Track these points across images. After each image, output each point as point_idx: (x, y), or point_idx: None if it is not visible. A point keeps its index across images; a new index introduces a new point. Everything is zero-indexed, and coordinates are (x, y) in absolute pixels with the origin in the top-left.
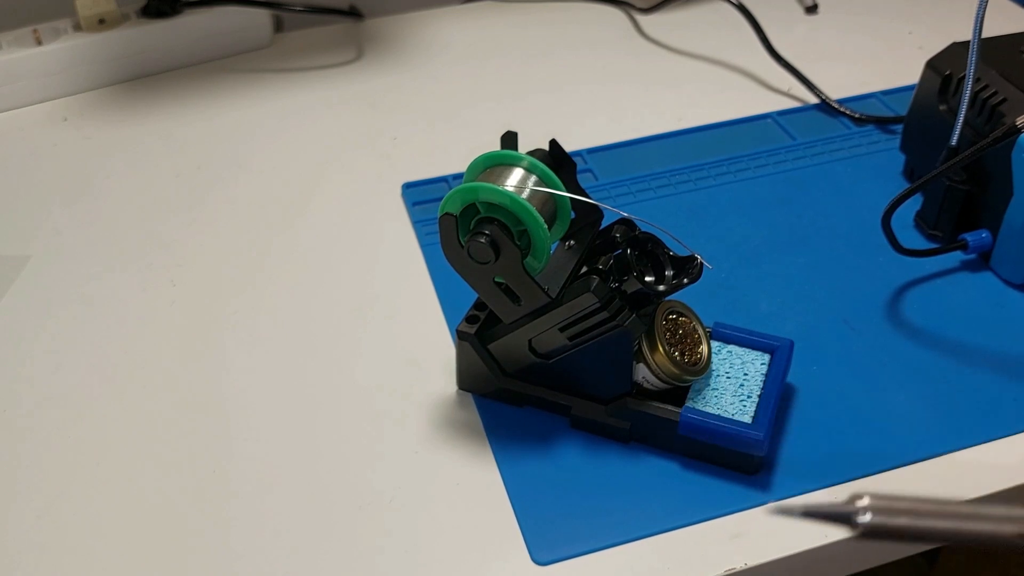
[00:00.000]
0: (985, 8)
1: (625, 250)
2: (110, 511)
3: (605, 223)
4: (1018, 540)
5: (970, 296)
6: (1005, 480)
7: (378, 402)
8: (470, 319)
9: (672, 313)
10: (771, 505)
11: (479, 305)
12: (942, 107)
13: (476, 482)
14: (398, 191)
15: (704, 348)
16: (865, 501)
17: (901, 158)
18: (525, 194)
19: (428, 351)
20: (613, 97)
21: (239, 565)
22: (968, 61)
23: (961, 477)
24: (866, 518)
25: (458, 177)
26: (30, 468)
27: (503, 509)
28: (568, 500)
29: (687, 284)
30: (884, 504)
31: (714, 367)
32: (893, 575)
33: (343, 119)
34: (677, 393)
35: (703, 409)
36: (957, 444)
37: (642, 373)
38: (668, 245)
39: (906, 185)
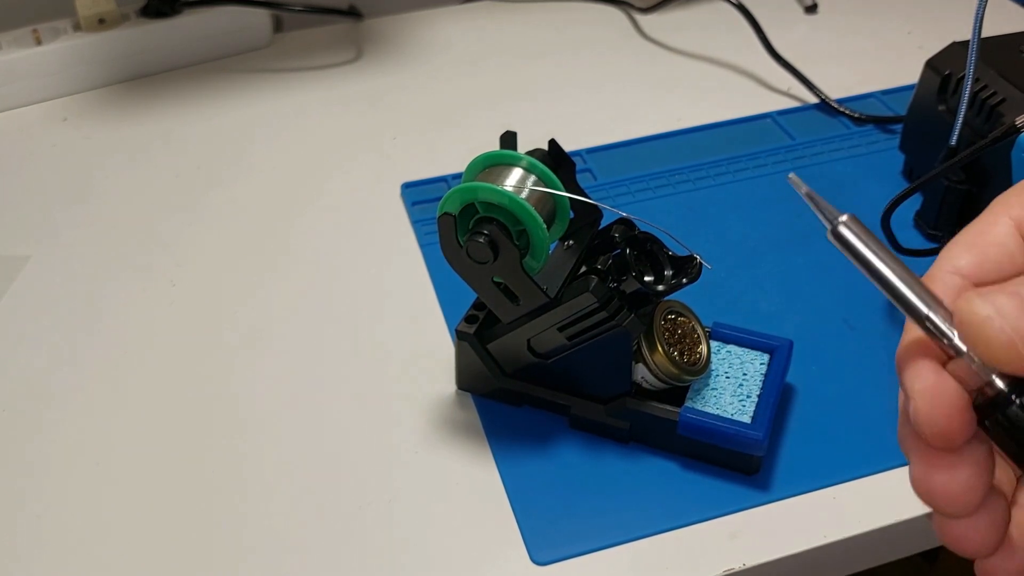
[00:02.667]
0: (985, 8)
1: (624, 250)
2: (111, 512)
3: (604, 223)
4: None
5: None
6: None
7: (377, 402)
8: (469, 319)
9: (671, 313)
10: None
11: (478, 305)
12: (941, 107)
13: (475, 482)
14: (397, 191)
15: (703, 348)
16: (845, 217)
17: (900, 158)
18: (524, 194)
19: (427, 351)
20: (612, 97)
21: (238, 565)
22: (967, 61)
23: None
24: (840, 228)
25: (457, 177)
26: (30, 468)
27: (502, 509)
28: (567, 500)
29: (686, 284)
30: (861, 231)
31: (713, 367)
32: (893, 574)
33: (342, 119)
34: (676, 393)
35: (702, 409)
36: None
37: (641, 373)
38: (667, 245)
39: (905, 185)
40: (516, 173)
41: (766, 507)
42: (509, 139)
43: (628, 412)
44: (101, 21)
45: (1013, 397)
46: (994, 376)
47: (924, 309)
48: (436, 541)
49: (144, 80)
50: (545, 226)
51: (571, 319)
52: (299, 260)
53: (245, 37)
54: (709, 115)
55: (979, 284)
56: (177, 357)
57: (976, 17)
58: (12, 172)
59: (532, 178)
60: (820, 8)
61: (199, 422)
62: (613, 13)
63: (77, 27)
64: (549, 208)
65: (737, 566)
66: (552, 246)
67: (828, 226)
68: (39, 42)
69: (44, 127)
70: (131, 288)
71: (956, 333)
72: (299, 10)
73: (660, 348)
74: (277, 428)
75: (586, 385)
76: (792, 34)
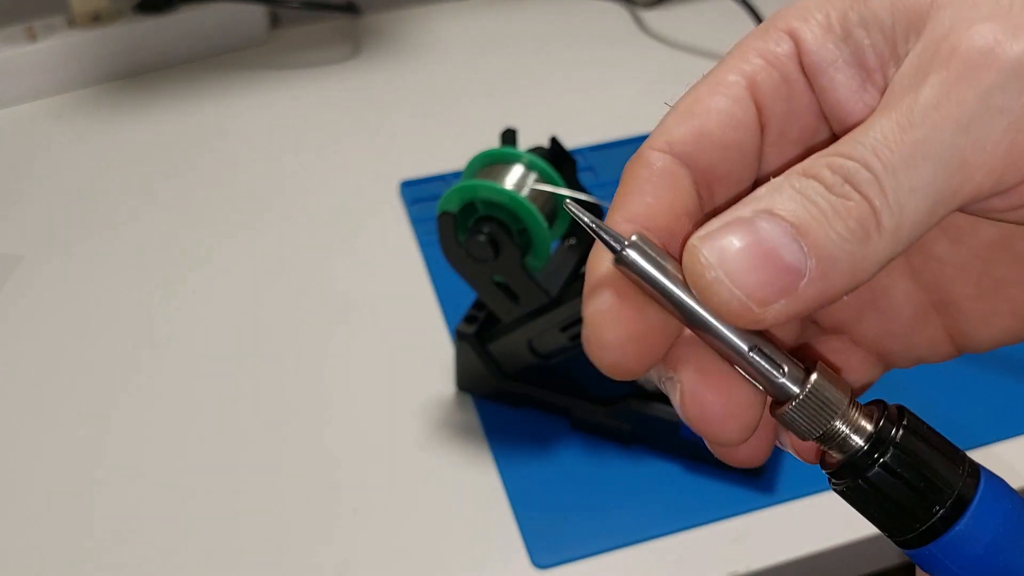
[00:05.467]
0: None
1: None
2: (105, 512)
3: None
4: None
5: None
6: (1014, 483)
7: (376, 403)
8: (469, 319)
9: None
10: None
11: (478, 305)
12: None
13: (475, 484)
14: (396, 189)
15: None
16: (635, 237)
17: None
18: (525, 192)
19: (427, 351)
20: (614, 93)
21: (238, 565)
22: None
23: None
24: (627, 251)
25: (457, 175)
26: (24, 469)
27: (502, 511)
28: (568, 502)
29: None
30: (651, 250)
31: None
32: None
33: (340, 116)
34: None
35: None
36: (962, 445)
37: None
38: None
39: None
40: (517, 171)
41: (770, 510)
42: (509, 136)
43: (630, 414)
44: (96, 17)
45: (877, 456)
46: (852, 435)
47: (744, 345)
48: (436, 544)
49: (139, 78)
50: (546, 224)
51: (573, 319)
52: (297, 259)
53: (241, 33)
54: None
55: (699, 164)
56: (173, 357)
57: None
58: (5, 171)
59: (533, 176)
60: None
61: (195, 423)
62: (615, 9)
63: (71, 23)
64: (550, 206)
65: (741, 569)
66: (553, 245)
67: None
68: (33, 39)
69: (38, 125)
70: (126, 288)
71: (784, 369)
72: (295, 6)
73: None
74: (276, 429)
75: (588, 386)
76: None
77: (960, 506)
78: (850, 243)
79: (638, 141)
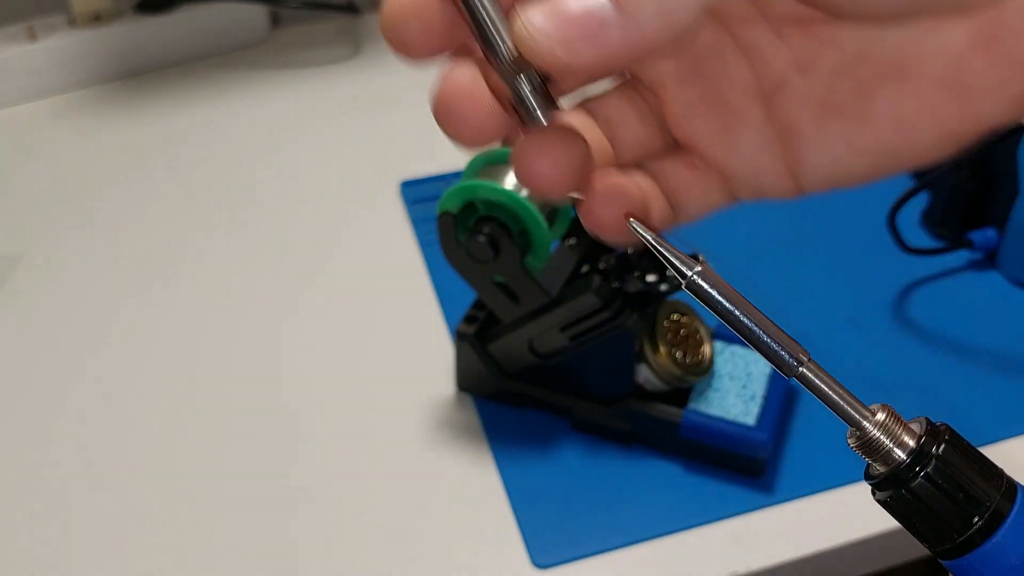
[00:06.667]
0: None
1: (626, 249)
2: (105, 513)
3: None
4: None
5: (976, 295)
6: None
7: (376, 403)
8: (469, 319)
9: (675, 313)
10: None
11: (478, 305)
12: None
13: (475, 484)
14: (396, 189)
15: (707, 349)
16: (699, 267)
17: None
18: (524, 192)
19: (427, 351)
20: None
21: (237, 565)
22: None
23: None
24: (695, 277)
25: (457, 175)
26: (22, 469)
27: (503, 511)
28: (568, 502)
29: None
30: (713, 278)
31: (717, 368)
32: None
33: (340, 116)
34: (679, 394)
35: (706, 411)
36: (972, 441)
37: (644, 374)
38: (671, 243)
39: (912, 183)
40: None
41: (771, 510)
42: None
43: (630, 414)
44: (96, 18)
45: (919, 468)
46: (894, 447)
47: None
48: (436, 543)
49: (139, 78)
50: (546, 225)
51: (573, 319)
52: (296, 259)
53: (241, 33)
54: None
55: None
56: (172, 359)
57: None
58: (5, 171)
59: None
60: None
61: (194, 424)
62: None
63: (72, 23)
64: (550, 207)
65: (742, 569)
66: (553, 245)
67: (682, 280)
68: (33, 39)
69: (38, 125)
70: (125, 288)
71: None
72: (296, 6)
73: (662, 349)
74: (275, 429)
75: (588, 386)
76: None
77: (997, 519)
78: None
79: None
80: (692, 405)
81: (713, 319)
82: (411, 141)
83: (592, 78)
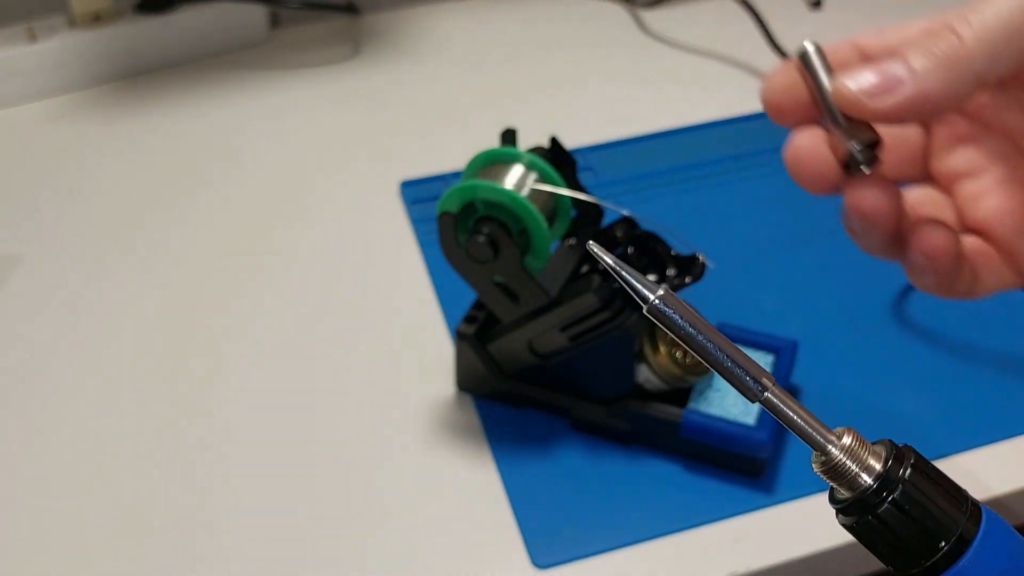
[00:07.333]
0: None
1: (626, 249)
2: (101, 511)
3: (606, 221)
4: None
5: None
6: (1015, 482)
7: (376, 403)
8: (469, 319)
9: None
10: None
11: (478, 305)
12: None
13: (475, 484)
14: (396, 189)
15: None
16: (661, 291)
17: None
18: (525, 192)
19: (427, 352)
20: (614, 93)
21: (236, 565)
22: None
23: (970, 478)
24: (656, 302)
25: (457, 175)
26: (21, 469)
27: (503, 511)
28: (568, 502)
29: (689, 283)
30: (676, 303)
31: None
32: None
33: (340, 116)
34: (679, 394)
35: (706, 411)
36: (965, 445)
37: (643, 374)
38: (670, 244)
39: None
40: (517, 171)
41: (771, 510)
42: (509, 136)
43: (630, 414)
44: (96, 18)
45: (886, 494)
46: (860, 472)
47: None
48: (436, 544)
49: (139, 78)
50: (546, 225)
51: (573, 319)
52: (296, 259)
53: (241, 33)
54: (712, 112)
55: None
56: (172, 358)
57: None
58: (6, 171)
59: (533, 176)
60: (825, 4)
61: (193, 423)
62: (615, 9)
63: (72, 24)
64: (550, 206)
65: (742, 569)
66: (553, 245)
67: (642, 304)
68: (33, 39)
69: (38, 126)
70: (124, 288)
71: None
72: (295, 6)
73: (662, 349)
74: (274, 429)
75: (588, 386)
76: (797, 30)
77: (963, 543)
78: (938, 58)
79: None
80: (692, 405)
81: (713, 319)
82: (411, 141)
83: (898, 121)
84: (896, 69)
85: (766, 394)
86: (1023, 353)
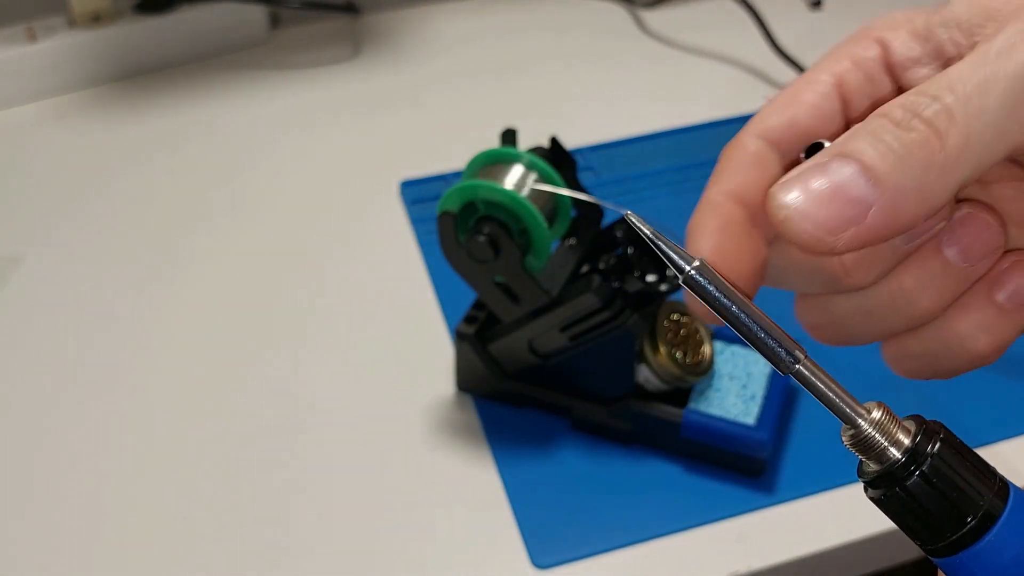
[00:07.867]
0: None
1: (627, 249)
2: (105, 514)
3: (606, 221)
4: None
5: None
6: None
7: (376, 404)
8: (469, 319)
9: (675, 313)
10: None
11: (478, 305)
12: None
13: (475, 484)
14: (396, 189)
15: (707, 349)
16: (697, 262)
17: None
18: (525, 192)
19: (427, 351)
20: (615, 93)
21: (235, 565)
22: None
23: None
24: (693, 273)
25: (457, 175)
26: (21, 471)
27: (503, 511)
28: (569, 502)
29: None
30: (711, 274)
31: (717, 368)
32: None
33: (340, 116)
34: (680, 394)
35: (706, 411)
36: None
37: (644, 374)
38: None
39: None
40: (517, 171)
41: (771, 509)
42: (510, 136)
43: (631, 414)
44: (96, 18)
45: (914, 467)
46: (888, 446)
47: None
48: (435, 544)
49: (139, 78)
50: (546, 225)
51: (573, 319)
52: (296, 259)
53: (241, 33)
54: (712, 112)
55: (788, 148)
56: (174, 360)
57: None
58: (5, 172)
59: (533, 176)
60: (825, 3)
61: (196, 426)
62: (615, 9)
63: (72, 24)
64: (550, 206)
65: (742, 569)
66: (553, 245)
67: (679, 274)
68: (33, 39)
69: (38, 126)
70: (126, 290)
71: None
72: (296, 6)
73: (662, 349)
74: (273, 430)
75: (588, 386)
76: (797, 30)
77: (990, 518)
78: (914, 170)
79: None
80: (692, 405)
81: None
82: (411, 141)
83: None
84: (858, 190)
85: (797, 366)
86: (1022, 353)
